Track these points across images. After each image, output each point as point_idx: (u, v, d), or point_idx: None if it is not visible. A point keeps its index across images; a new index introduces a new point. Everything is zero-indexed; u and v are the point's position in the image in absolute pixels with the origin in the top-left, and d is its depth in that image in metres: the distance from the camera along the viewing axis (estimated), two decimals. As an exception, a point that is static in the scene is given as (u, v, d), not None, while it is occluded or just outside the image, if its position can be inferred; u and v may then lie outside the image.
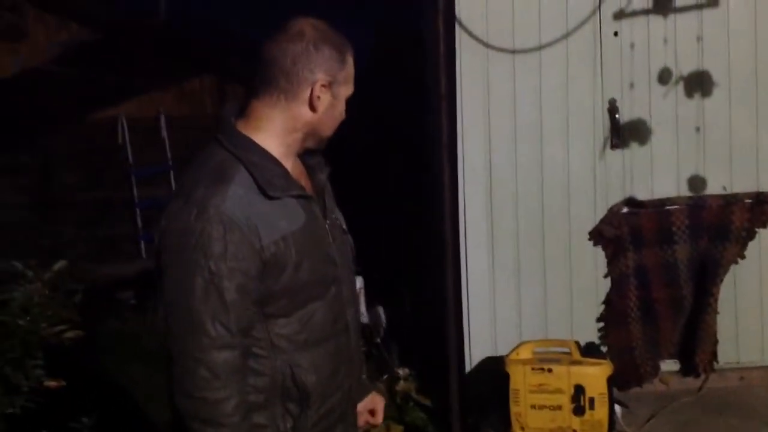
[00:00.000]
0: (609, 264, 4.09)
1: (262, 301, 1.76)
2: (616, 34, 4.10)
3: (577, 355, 3.61)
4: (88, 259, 7.03)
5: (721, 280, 4.04)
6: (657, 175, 4.12)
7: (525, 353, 3.64)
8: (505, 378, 3.58)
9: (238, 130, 1.83)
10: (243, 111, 1.87)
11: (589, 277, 4.12)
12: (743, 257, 4.08)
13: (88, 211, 7.41)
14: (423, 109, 4.85)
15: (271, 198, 1.77)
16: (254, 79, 1.86)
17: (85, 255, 7.10)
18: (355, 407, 2.07)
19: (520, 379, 3.55)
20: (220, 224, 1.70)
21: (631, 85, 4.08)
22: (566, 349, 3.63)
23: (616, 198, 4.10)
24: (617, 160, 4.11)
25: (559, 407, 3.52)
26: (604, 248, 4.10)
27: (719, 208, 4.07)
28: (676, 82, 4.08)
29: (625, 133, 4.10)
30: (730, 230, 4.05)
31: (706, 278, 4.04)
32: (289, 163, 1.86)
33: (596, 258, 4.11)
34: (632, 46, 4.08)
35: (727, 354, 4.12)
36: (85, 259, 6.97)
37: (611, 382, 3.55)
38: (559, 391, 3.52)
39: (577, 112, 4.09)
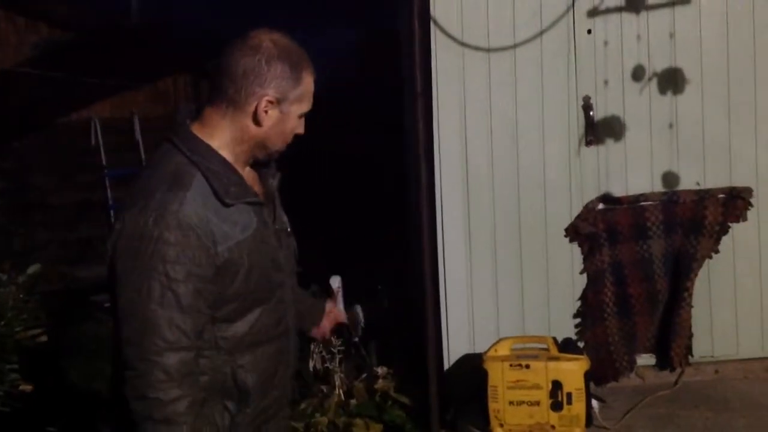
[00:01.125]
0: (585, 260, 4.12)
1: (212, 305, 1.80)
2: (589, 31, 4.12)
3: (554, 351, 3.63)
4: (63, 261, 6.98)
5: (696, 275, 4.08)
6: (631, 172, 4.15)
7: (503, 350, 3.66)
8: (484, 375, 3.59)
9: (194, 134, 1.85)
10: (198, 114, 1.89)
11: (565, 274, 4.14)
12: (717, 252, 4.12)
13: (62, 214, 7.35)
14: (401, 109, 4.87)
15: (226, 205, 1.80)
16: (210, 84, 1.89)
17: (60, 258, 7.05)
18: (288, 404, 2.13)
19: (498, 375, 3.57)
20: (177, 229, 1.73)
21: (606, 83, 4.12)
22: (544, 345, 3.66)
23: (591, 194, 4.13)
24: (592, 157, 4.14)
25: (537, 403, 3.54)
26: (580, 245, 4.12)
27: (693, 204, 4.11)
28: (650, 79, 4.12)
29: (599, 130, 4.13)
30: (703, 225, 4.09)
31: (681, 273, 4.08)
32: (243, 170, 1.90)
33: (572, 254, 4.14)
34: (606, 43, 4.11)
35: (702, 348, 4.16)
36: (59, 262, 6.92)
37: (588, 377, 3.58)
38: (537, 387, 3.54)
39: (552, 110, 4.11)
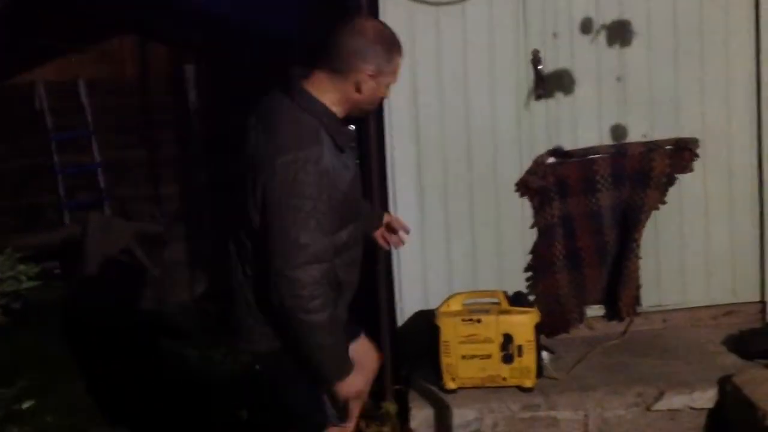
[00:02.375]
0: (535, 214, 4.14)
1: (336, 220, 2.41)
2: (538, -18, 4.10)
3: (505, 305, 3.66)
4: (11, 228, 6.84)
5: (644, 226, 4.12)
6: (581, 125, 4.16)
7: (455, 305, 3.68)
8: (436, 331, 3.62)
9: (309, 93, 2.43)
10: (307, 75, 2.47)
11: (516, 228, 4.17)
12: (664, 203, 4.17)
13: (8, 180, 7.18)
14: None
15: (341, 151, 2.45)
16: (319, 52, 2.45)
17: (8, 225, 6.90)
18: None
19: (450, 331, 3.60)
20: (317, 175, 2.33)
21: (555, 35, 4.10)
22: (495, 300, 3.69)
23: (541, 149, 4.14)
24: (542, 111, 4.14)
25: (489, 356, 3.57)
26: (531, 199, 4.14)
27: (640, 156, 4.14)
28: (598, 32, 4.12)
29: (549, 83, 4.13)
30: (651, 177, 4.14)
31: (629, 225, 4.13)
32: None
33: (523, 209, 4.16)
34: (555, -5, 4.09)
35: (650, 297, 4.23)
36: (7, 228, 6.78)
37: (538, 329, 3.62)
38: (488, 340, 3.57)
39: (501, 64, 4.09)
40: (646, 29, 4.14)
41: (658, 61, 4.16)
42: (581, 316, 4.21)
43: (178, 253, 6.88)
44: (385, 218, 3.07)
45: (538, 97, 4.14)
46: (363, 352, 2.86)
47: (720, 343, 4.00)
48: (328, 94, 2.45)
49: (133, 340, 5.10)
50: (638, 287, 4.17)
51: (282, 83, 2.48)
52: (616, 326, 4.23)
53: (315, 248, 2.32)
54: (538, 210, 4.14)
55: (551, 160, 4.15)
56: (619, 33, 4.13)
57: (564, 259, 4.15)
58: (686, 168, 4.17)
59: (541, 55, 4.11)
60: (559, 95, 4.15)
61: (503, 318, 3.59)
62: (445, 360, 3.60)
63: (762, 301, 4.27)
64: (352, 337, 2.78)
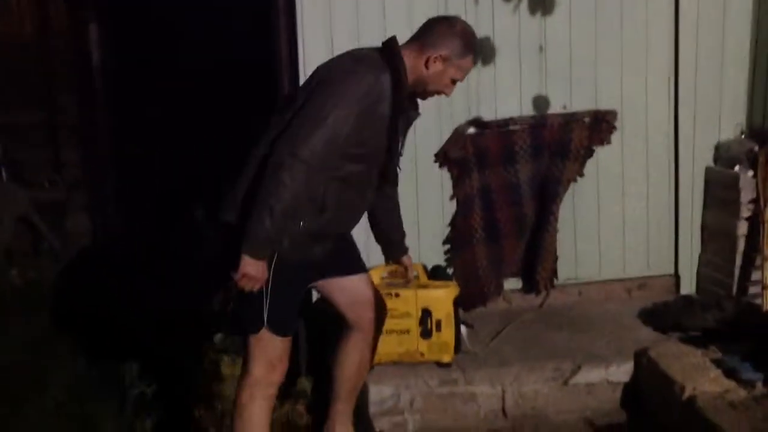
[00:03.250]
0: (455, 186, 4.06)
1: (355, 145, 2.64)
2: (459, -52, 3.98)
3: (424, 279, 3.58)
4: None
5: (561, 199, 4.10)
6: (501, 95, 4.09)
7: (373, 279, 3.55)
8: None
9: (395, 51, 2.73)
10: (397, 43, 2.76)
11: (435, 200, 4.08)
12: (582, 175, 4.15)
13: None
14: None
15: (398, 95, 2.68)
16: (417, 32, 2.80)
17: None
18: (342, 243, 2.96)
19: None
20: (370, 87, 2.61)
21: (476, 2, 4.00)
22: (414, 273, 3.58)
23: (461, 119, 4.05)
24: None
25: (407, 331, 3.49)
26: (450, 170, 4.06)
27: (559, 127, 4.10)
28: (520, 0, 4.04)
29: (469, 51, 4.03)
30: (569, 149, 4.10)
31: (547, 197, 4.09)
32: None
33: (442, 180, 4.07)
34: (476, -41, 3.98)
35: (566, 270, 4.23)
36: None
37: (457, 303, 3.55)
38: (406, 315, 3.49)
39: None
40: (568, -2, 4.08)
41: (578, 32, 4.11)
42: (499, 289, 4.17)
43: (81, 223, 6.56)
44: (407, 261, 3.27)
45: (459, 65, 4.03)
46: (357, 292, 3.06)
47: (635, 316, 4.02)
48: (406, 58, 2.72)
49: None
50: (555, 260, 4.16)
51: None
52: (533, 299, 4.21)
53: (333, 134, 2.56)
54: (458, 181, 4.05)
55: (471, 130, 4.07)
56: (541, 1, 4.05)
57: (482, 232, 4.08)
58: (604, 140, 4.15)
59: (462, 22, 4.00)
60: (480, 64, 4.05)
61: (422, 292, 3.50)
62: None
63: (675, 274, 4.31)
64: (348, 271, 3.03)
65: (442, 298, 3.52)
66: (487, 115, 4.08)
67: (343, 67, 2.69)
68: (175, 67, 6.50)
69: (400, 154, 2.93)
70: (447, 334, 3.51)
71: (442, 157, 4.04)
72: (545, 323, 4.01)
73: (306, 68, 3.80)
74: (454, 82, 2.79)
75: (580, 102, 4.14)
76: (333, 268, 2.94)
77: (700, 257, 4.29)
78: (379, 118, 2.65)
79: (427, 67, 2.72)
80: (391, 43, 2.76)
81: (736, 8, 4.14)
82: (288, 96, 3.02)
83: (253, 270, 2.58)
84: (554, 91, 4.12)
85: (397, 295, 3.48)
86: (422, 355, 3.52)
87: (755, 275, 3.99)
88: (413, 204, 4.04)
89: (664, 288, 4.31)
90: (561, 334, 3.87)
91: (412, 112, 2.89)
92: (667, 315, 3.85)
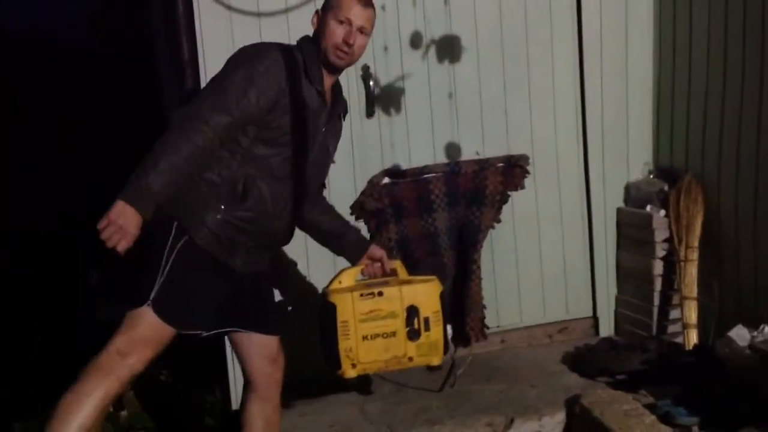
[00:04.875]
0: (372, 237, 3.92)
1: (262, 124, 2.58)
2: (364, -5, 3.89)
3: (404, 274, 3.19)
4: None
5: (482, 246, 4.02)
6: (414, 143, 4.02)
7: (348, 280, 3.12)
8: (331, 311, 3.01)
9: (309, 40, 2.78)
10: None
11: (352, 253, 3.92)
12: (499, 221, 4.10)
13: None
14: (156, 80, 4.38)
15: (308, 79, 2.67)
16: None
17: None
18: (271, 252, 2.90)
19: (348, 308, 3.00)
20: (272, 61, 2.60)
21: (385, 49, 3.92)
22: (390, 265, 3.20)
23: (375, 169, 3.94)
24: (374, 130, 3.95)
25: (394, 334, 3.06)
26: (367, 222, 3.93)
27: (474, 174, 4.04)
28: (428, 47, 3.98)
29: (381, 100, 3.95)
30: (485, 195, 4.04)
31: (467, 245, 4.01)
32: (329, 81, 2.78)
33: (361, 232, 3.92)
34: (383, 7, 3.91)
35: (489, 318, 4.13)
36: None
37: (443, 298, 3.18)
38: (392, 315, 3.05)
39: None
40: (475, 44, 4.06)
41: (487, 77, 4.09)
42: (423, 343, 4.02)
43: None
44: (378, 253, 3.08)
45: (370, 114, 3.94)
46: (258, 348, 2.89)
47: (559, 361, 3.97)
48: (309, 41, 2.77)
49: None
50: (483, 309, 4.06)
51: None
52: (461, 351, 4.09)
53: (231, 100, 2.51)
54: (375, 233, 3.93)
55: (386, 180, 3.96)
56: (449, 48, 4.02)
57: (403, 285, 3.94)
58: (518, 185, 4.12)
59: (372, 70, 3.92)
60: (392, 113, 3.97)
61: (407, 288, 3.08)
62: (344, 344, 3.00)
63: (594, 316, 4.30)
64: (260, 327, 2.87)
65: (429, 292, 3.12)
66: (402, 164, 3.99)
67: (242, 50, 2.68)
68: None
69: (333, 161, 2.92)
70: (436, 332, 3.11)
71: (358, 209, 3.91)
72: (472, 375, 3.89)
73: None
74: (341, 22, 2.69)
75: (493, 148, 4.11)
76: (249, 319, 2.82)
77: (617, 298, 4.29)
78: (284, 98, 2.60)
79: (312, 27, 2.78)
80: (302, 38, 2.82)
81: (638, 49, 4.21)
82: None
83: (121, 218, 2.35)
84: (466, 137, 4.08)
85: (380, 294, 3.05)
86: (411, 359, 3.10)
87: (673, 314, 4.01)
88: (330, 258, 3.85)
89: (584, 331, 4.30)
90: (490, 386, 3.76)
91: (338, 108, 2.88)
92: (592, 360, 3.80)
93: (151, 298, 2.53)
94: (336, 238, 3.05)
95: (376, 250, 3.07)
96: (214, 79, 2.61)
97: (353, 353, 3.01)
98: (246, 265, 2.71)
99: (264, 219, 2.68)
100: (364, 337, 3.01)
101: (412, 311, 3.07)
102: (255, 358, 2.88)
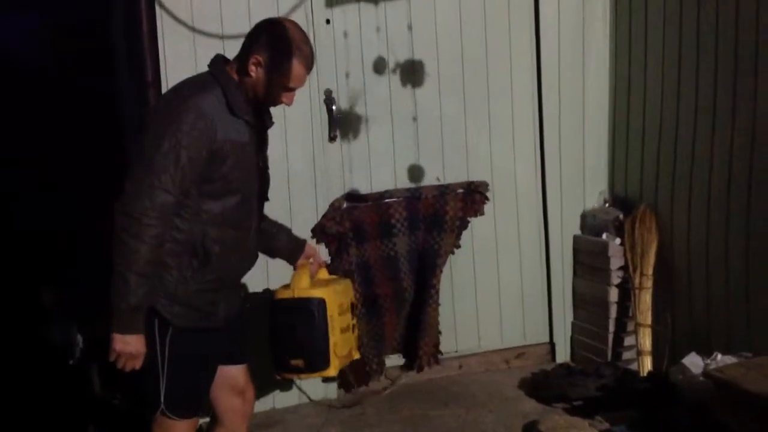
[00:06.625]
0: (332, 261, 3.92)
1: (203, 179, 2.44)
2: (328, 21, 3.93)
3: (324, 274, 3.15)
4: None
5: (441, 271, 4.05)
6: (375, 167, 4.04)
7: (307, 279, 2.94)
8: (320, 307, 2.86)
9: (225, 69, 2.57)
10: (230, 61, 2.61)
11: (312, 277, 3.91)
12: (459, 246, 4.13)
13: None
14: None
15: (233, 114, 2.49)
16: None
17: None
18: (239, 289, 2.79)
19: (333, 302, 2.90)
20: (194, 114, 2.41)
21: (347, 75, 3.95)
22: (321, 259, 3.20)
23: (337, 192, 3.95)
24: (336, 153, 3.96)
25: (351, 328, 3.06)
26: (327, 245, 3.93)
27: (434, 199, 4.08)
28: (392, 71, 4.02)
29: (343, 124, 3.96)
30: (445, 220, 4.08)
31: (426, 270, 4.03)
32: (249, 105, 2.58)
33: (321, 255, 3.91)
34: (345, 34, 3.95)
35: (446, 343, 4.16)
36: None
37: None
38: (347, 310, 3.04)
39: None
40: (437, 70, 4.10)
41: (449, 103, 4.14)
42: (381, 367, 4.04)
43: None
44: (311, 250, 3.06)
45: (332, 138, 3.96)
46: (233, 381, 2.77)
47: (516, 387, 4.00)
48: (233, 72, 2.56)
49: None
50: (438, 334, 4.08)
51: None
52: (415, 375, 4.11)
53: (165, 177, 2.36)
54: (335, 257, 3.93)
55: (347, 204, 3.97)
56: (412, 73, 4.06)
57: (362, 308, 3.95)
58: (478, 211, 4.17)
59: (334, 95, 3.94)
60: (353, 137, 3.99)
61: (346, 284, 3.11)
62: (332, 339, 2.88)
63: (550, 342, 4.35)
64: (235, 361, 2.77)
65: (351, 286, 3.20)
66: (363, 188, 4.00)
67: (162, 103, 2.58)
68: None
69: (266, 168, 2.79)
70: (357, 326, 3.16)
71: (320, 232, 3.91)
72: (429, 400, 3.90)
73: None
74: (289, 89, 2.57)
75: (453, 173, 4.15)
76: (228, 355, 2.72)
77: (573, 324, 4.35)
78: (221, 145, 2.43)
79: (249, 73, 2.52)
80: (215, 61, 2.59)
81: (594, 82, 4.29)
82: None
83: (126, 348, 2.38)
84: (428, 162, 4.11)
85: (342, 289, 3.04)
86: (353, 355, 3.10)
87: (628, 341, 4.08)
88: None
89: (541, 356, 4.34)
90: (448, 412, 3.77)
91: (267, 123, 2.72)
92: (549, 385, 3.83)
93: (162, 403, 2.51)
94: (270, 239, 2.91)
95: (309, 248, 3.03)
96: (141, 152, 2.42)
97: (338, 348, 2.92)
98: (228, 309, 2.63)
99: (231, 268, 2.60)
100: (342, 330, 2.95)
101: (353, 307, 3.11)
102: (222, 391, 2.74)
